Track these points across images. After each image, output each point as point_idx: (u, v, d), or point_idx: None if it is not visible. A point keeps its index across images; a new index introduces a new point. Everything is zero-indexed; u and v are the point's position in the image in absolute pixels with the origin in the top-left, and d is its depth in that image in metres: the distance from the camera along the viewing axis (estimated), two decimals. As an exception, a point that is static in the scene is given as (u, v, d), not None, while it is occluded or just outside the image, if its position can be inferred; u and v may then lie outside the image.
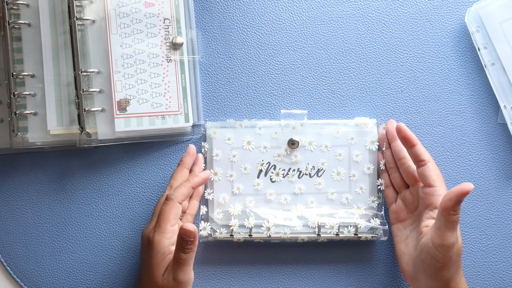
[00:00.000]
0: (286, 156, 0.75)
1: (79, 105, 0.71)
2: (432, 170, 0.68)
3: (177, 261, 0.65)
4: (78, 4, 0.71)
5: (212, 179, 0.75)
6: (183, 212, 0.73)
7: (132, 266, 0.76)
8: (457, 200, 0.61)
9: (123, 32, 0.73)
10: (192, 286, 0.68)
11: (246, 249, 0.75)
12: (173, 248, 0.66)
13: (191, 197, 0.74)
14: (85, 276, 0.76)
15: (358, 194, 0.75)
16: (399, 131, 0.70)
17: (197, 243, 0.65)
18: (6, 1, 0.71)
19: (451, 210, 0.62)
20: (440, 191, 0.67)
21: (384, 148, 0.75)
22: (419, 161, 0.69)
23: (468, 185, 0.61)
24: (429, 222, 0.67)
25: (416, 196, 0.71)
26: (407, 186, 0.72)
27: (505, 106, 0.74)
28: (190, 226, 0.63)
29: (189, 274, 0.66)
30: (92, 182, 0.76)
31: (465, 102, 0.76)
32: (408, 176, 0.71)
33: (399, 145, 0.72)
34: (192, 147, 0.75)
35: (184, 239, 0.64)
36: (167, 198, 0.67)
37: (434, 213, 0.67)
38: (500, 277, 0.75)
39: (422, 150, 0.69)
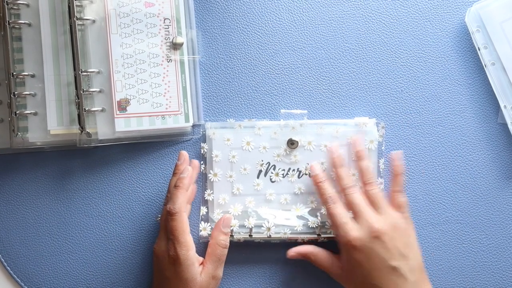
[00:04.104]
0: (285, 156, 0.75)
1: (79, 105, 0.71)
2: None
3: (219, 258, 0.69)
4: (78, 4, 0.72)
5: (212, 180, 0.75)
6: None
7: (132, 266, 0.76)
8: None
9: (123, 32, 0.73)
10: None
11: (246, 249, 0.75)
12: (198, 256, 0.69)
13: None
14: (85, 276, 0.76)
15: (358, 193, 0.75)
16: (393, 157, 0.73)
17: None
18: (6, 1, 0.71)
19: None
20: None
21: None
22: (395, 190, 0.72)
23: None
24: None
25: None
26: None
27: (505, 106, 0.74)
28: (228, 215, 0.72)
29: (222, 270, 0.70)
30: (92, 182, 0.76)
31: (465, 102, 0.76)
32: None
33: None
34: (183, 153, 0.73)
35: (224, 231, 0.70)
36: (171, 214, 0.67)
37: None
38: (500, 277, 0.75)
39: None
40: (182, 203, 0.68)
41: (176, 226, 0.67)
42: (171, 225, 0.67)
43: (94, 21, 0.73)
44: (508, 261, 0.75)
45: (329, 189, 0.70)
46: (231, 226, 0.73)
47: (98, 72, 0.73)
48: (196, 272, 0.67)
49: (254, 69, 0.77)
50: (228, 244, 0.70)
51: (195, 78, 0.76)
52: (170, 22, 0.74)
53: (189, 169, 0.71)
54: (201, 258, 0.70)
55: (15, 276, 0.75)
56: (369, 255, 0.66)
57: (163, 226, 0.69)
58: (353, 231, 0.67)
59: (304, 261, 0.75)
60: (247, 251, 0.75)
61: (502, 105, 0.74)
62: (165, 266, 0.68)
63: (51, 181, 0.76)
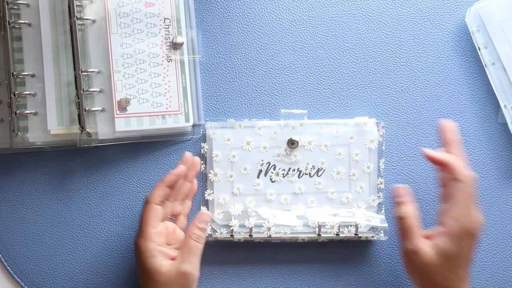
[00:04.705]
0: (285, 156, 0.75)
1: (79, 105, 0.71)
2: (457, 190, 0.65)
3: (190, 251, 0.67)
4: (79, 3, 0.72)
5: (212, 180, 0.75)
6: (176, 215, 0.73)
7: (132, 266, 0.76)
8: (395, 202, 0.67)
9: (123, 32, 0.73)
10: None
11: (246, 249, 0.75)
12: (163, 249, 0.67)
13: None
14: (85, 276, 0.76)
15: (358, 193, 0.75)
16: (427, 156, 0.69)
17: (206, 232, 0.70)
18: (7, 1, 0.71)
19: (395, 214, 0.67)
20: (455, 214, 0.64)
21: None
22: (453, 178, 0.66)
23: (397, 185, 0.67)
24: (434, 232, 0.66)
25: None
26: None
27: (505, 106, 0.74)
28: (206, 212, 0.71)
29: (196, 268, 0.67)
30: (92, 182, 0.76)
31: (465, 102, 0.76)
32: None
33: None
34: (188, 155, 0.73)
35: (198, 226, 0.68)
36: (145, 202, 0.69)
37: (440, 229, 0.66)
38: (500, 277, 0.75)
39: (456, 169, 0.66)
40: (156, 195, 0.68)
41: (143, 215, 0.68)
42: (141, 214, 0.69)
43: (94, 21, 0.73)
44: (508, 261, 0.75)
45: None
46: (231, 226, 0.73)
47: (98, 72, 0.73)
48: (159, 264, 0.66)
49: (254, 69, 0.77)
50: (201, 239, 0.68)
51: (195, 78, 0.76)
52: (170, 22, 0.74)
53: (180, 168, 0.71)
54: (173, 253, 0.69)
55: (15, 276, 0.75)
56: (473, 246, 0.65)
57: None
58: (478, 219, 0.64)
59: (304, 260, 0.75)
60: (247, 251, 0.75)
61: (502, 105, 0.74)
62: (135, 254, 0.69)
63: (51, 181, 0.76)
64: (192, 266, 0.67)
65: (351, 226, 0.73)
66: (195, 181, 0.75)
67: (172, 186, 0.70)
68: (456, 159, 0.67)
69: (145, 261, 0.66)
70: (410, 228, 0.65)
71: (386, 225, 0.73)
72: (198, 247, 0.68)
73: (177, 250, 0.70)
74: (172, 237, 0.71)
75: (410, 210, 0.66)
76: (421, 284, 0.66)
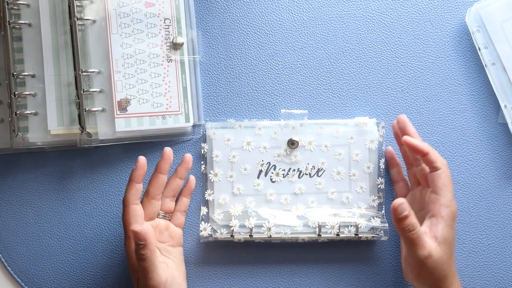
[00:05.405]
0: (286, 156, 0.75)
1: (79, 105, 0.71)
2: (441, 178, 0.66)
3: (143, 272, 0.64)
4: (79, 4, 0.72)
5: (212, 180, 0.75)
6: (167, 212, 0.73)
7: (133, 266, 0.76)
8: (396, 219, 0.63)
9: (123, 32, 0.73)
10: (187, 285, 0.69)
11: (246, 249, 0.75)
12: None
13: (180, 194, 0.74)
14: (85, 276, 0.76)
15: (358, 193, 0.75)
16: (406, 143, 0.68)
17: (150, 248, 0.64)
18: (7, 1, 0.71)
19: (399, 229, 0.64)
20: (443, 201, 0.66)
21: (385, 147, 0.75)
22: (431, 167, 0.67)
23: (396, 201, 0.63)
24: (426, 228, 0.66)
25: (424, 197, 0.69)
26: (419, 184, 0.72)
27: (505, 106, 0.74)
28: (137, 227, 0.63)
29: (159, 277, 0.65)
30: (92, 182, 0.76)
31: (465, 102, 0.76)
32: (421, 178, 0.71)
33: None
34: (167, 150, 0.71)
35: (136, 243, 0.64)
36: (122, 205, 0.68)
37: (433, 221, 0.66)
38: (500, 277, 0.75)
39: (434, 157, 0.67)
40: (129, 196, 0.68)
41: (124, 219, 0.68)
42: (122, 218, 0.68)
43: (94, 21, 0.73)
44: (508, 261, 0.75)
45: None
46: (232, 226, 0.73)
47: (99, 72, 0.73)
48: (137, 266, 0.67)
49: (254, 69, 0.77)
50: (145, 253, 0.63)
51: (196, 78, 0.76)
52: (170, 22, 0.74)
53: (140, 160, 0.68)
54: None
55: (15, 276, 0.75)
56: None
57: None
58: (455, 201, 0.67)
59: (304, 260, 0.75)
60: (247, 251, 0.75)
61: (502, 105, 0.74)
62: None
63: (51, 181, 0.76)
64: (151, 280, 0.64)
65: (351, 226, 0.73)
66: (193, 179, 0.75)
67: (140, 181, 0.69)
68: (431, 148, 0.68)
69: (129, 261, 0.67)
70: (421, 235, 0.64)
71: (386, 225, 0.73)
72: (145, 266, 0.64)
73: (171, 247, 0.71)
74: (165, 235, 0.71)
75: (415, 219, 0.64)
76: (429, 285, 0.66)
